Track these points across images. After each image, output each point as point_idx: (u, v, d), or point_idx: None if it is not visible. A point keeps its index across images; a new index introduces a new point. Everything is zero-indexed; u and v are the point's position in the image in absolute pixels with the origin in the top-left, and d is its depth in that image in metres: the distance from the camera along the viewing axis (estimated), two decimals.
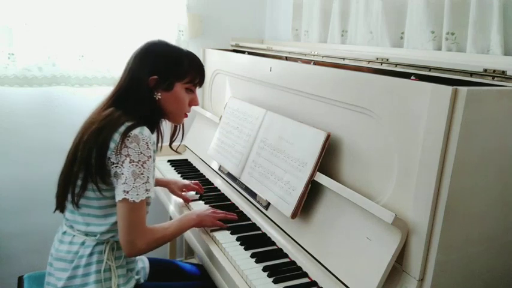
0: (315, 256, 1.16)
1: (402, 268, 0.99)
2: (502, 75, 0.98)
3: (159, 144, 1.30)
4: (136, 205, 1.11)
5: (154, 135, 1.23)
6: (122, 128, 1.12)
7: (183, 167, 1.96)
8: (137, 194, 1.10)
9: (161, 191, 1.77)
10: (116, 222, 1.17)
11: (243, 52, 2.06)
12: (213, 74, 2.06)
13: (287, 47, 1.83)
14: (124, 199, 1.10)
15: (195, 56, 1.29)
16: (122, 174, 1.10)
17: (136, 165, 1.10)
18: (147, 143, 1.12)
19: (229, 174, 1.66)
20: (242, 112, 1.66)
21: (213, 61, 2.07)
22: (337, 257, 1.09)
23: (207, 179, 1.80)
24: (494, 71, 1.00)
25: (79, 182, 1.15)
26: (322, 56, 1.56)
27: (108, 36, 1.99)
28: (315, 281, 1.12)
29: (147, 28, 2.06)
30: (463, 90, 0.85)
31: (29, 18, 1.82)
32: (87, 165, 1.13)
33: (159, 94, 1.22)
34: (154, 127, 1.25)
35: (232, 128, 1.69)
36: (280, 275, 1.13)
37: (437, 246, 0.92)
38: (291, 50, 1.77)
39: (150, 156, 1.13)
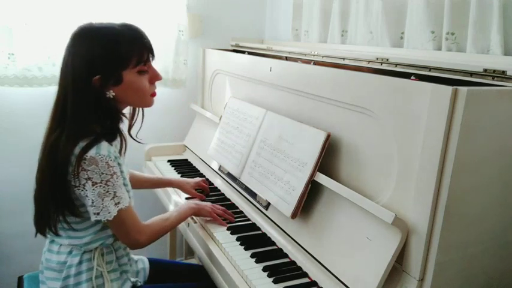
0: (315, 256, 1.16)
1: (402, 268, 0.99)
2: (502, 75, 0.98)
3: (123, 149, 1.16)
4: (115, 219, 1.07)
5: (114, 146, 1.10)
6: (77, 150, 1.02)
7: (183, 167, 1.96)
8: (109, 212, 1.06)
9: (161, 191, 1.77)
10: (100, 230, 1.15)
11: (243, 52, 2.06)
12: (213, 74, 2.06)
13: (287, 47, 1.83)
14: (97, 220, 1.08)
15: (131, 29, 1.10)
16: (87, 196, 1.04)
17: (100, 186, 1.03)
18: (107, 162, 1.03)
19: (229, 174, 1.66)
20: (242, 112, 1.66)
21: (213, 61, 2.07)
22: (337, 257, 1.09)
23: (207, 179, 1.80)
24: (494, 71, 1.00)
25: (52, 209, 1.10)
26: (322, 56, 1.56)
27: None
28: (315, 281, 1.12)
29: (147, 28, 2.04)
30: (463, 90, 0.85)
31: (29, 18, 1.82)
32: (52, 196, 1.07)
33: (111, 91, 1.07)
34: (115, 133, 1.11)
35: (232, 128, 1.69)
36: (280, 275, 1.13)
37: (437, 246, 0.92)
38: (291, 50, 1.77)
39: (114, 173, 1.05)
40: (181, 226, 1.47)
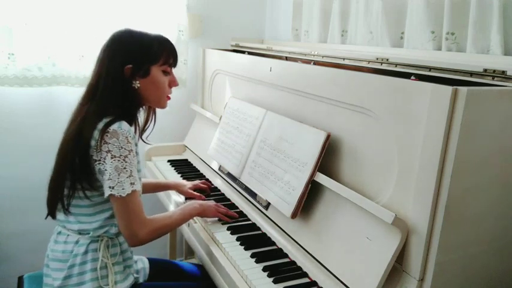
0: (315, 256, 1.16)
1: (402, 268, 0.99)
2: (502, 75, 0.98)
3: (138, 137, 1.28)
4: (126, 199, 1.11)
5: (132, 128, 1.21)
6: (100, 125, 1.11)
7: (183, 167, 1.96)
8: (123, 189, 1.10)
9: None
10: (108, 217, 1.19)
11: (243, 52, 2.06)
12: (213, 74, 2.06)
13: (287, 47, 1.83)
14: (111, 195, 1.11)
15: (164, 37, 1.28)
16: (105, 170, 1.10)
17: (119, 160, 1.10)
18: (126, 137, 1.11)
19: (229, 174, 1.66)
20: (242, 112, 1.66)
21: (213, 61, 2.07)
22: (337, 257, 1.09)
23: (207, 179, 1.80)
24: (494, 71, 1.00)
25: (67, 184, 1.15)
26: (322, 56, 1.56)
27: (108, 36, 1.98)
28: (315, 281, 1.12)
29: (147, 28, 2.05)
30: (463, 90, 0.85)
31: (29, 18, 1.82)
32: (73, 167, 1.13)
33: (138, 82, 1.20)
34: (133, 120, 1.24)
35: (232, 128, 1.69)
36: (280, 275, 1.13)
37: (437, 247, 0.92)
38: (291, 50, 1.77)
39: (132, 150, 1.13)
40: (182, 226, 1.47)
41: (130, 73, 1.19)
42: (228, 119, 1.74)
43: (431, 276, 0.94)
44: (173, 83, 1.29)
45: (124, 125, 1.13)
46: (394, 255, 0.96)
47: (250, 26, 2.47)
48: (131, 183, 1.12)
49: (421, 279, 0.96)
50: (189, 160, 2.05)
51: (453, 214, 0.92)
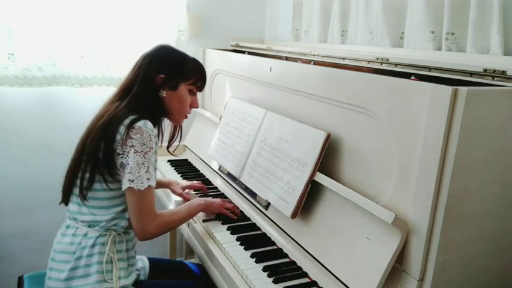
0: (315, 256, 1.16)
1: (402, 268, 0.99)
2: (502, 75, 0.98)
3: (160, 143, 1.33)
4: (142, 192, 1.16)
5: (156, 131, 1.28)
6: (127, 121, 1.17)
7: (183, 167, 1.96)
8: (142, 183, 1.16)
9: (161, 191, 1.78)
10: (121, 211, 1.23)
11: (243, 52, 2.06)
12: (213, 74, 2.06)
13: (287, 47, 1.83)
14: (130, 187, 1.15)
15: (199, 62, 1.38)
16: (128, 164, 1.16)
17: (140, 155, 1.16)
18: (150, 135, 1.18)
19: (229, 174, 1.66)
20: (242, 112, 1.66)
21: (213, 61, 2.07)
22: (337, 257, 1.09)
23: (207, 179, 1.80)
24: (494, 71, 1.00)
25: (87, 176, 1.19)
26: (322, 56, 1.56)
27: (108, 36, 1.99)
28: (315, 281, 1.12)
29: (147, 28, 2.06)
30: (463, 90, 0.85)
31: (29, 18, 1.82)
32: (95, 158, 1.18)
33: (165, 92, 1.28)
34: (156, 123, 1.31)
35: (232, 128, 1.69)
36: (280, 275, 1.13)
37: (437, 246, 0.92)
38: (291, 50, 1.77)
39: (152, 148, 1.19)
40: (182, 225, 1.47)
41: (161, 82, 1.27)
42: (228, 119, 1.74)
43: (431, 276, 0.94)
44: (194, 104, 1.37)
45: (149, 123, 1.19)
46: (394, 255, 0.96)
47: (250, 26, 2.47)
48: (147, 179, 1.17)
49: (421, 279, 0.96)
50: (189, 160, 2.05)
51: (453, 214, 0.92)
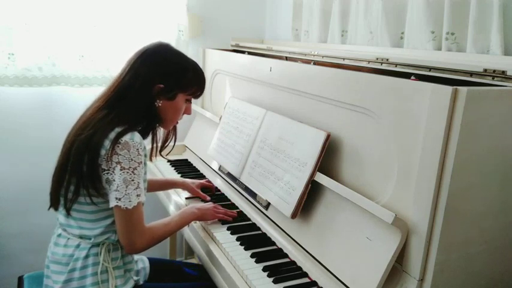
0: (315, 256, 1.16)
1: (402, 268, 0.99)
2: (502, 75, 0.98)
3: (156, 151, 1.30)
4: (130, 211, 1.11)
5: (148, 140, 1.24)
6: (112, 134, 1.10)
7: (183, 167, 1.96)
8: (129, 201, 1.10)
9: (161, 191, 1.77)
10: (110, 224, 1.18)
11: (243, 52, 2.06)
12: (213, 74, 2.06)
13: (287, 47, 1.83)
14: (117, 206, 1.11)
15: (200, 67, 1.31)
16: (114, 181, 1.10)
17: (127, 172, 1.10)
18: (137, 149, 1.11)
19: (229, 174, 1.66)
20: (242, 112, 1.66)
21: (213, 61, 2.07)
22: (337, 257, 1.09)
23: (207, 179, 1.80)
24: (494, 71, 1.00)
25: (71, 188, 1.14)
26: (322, 56, 1.56)
27: (108, 36, 1.99)
28: (315, 281, 1.12)
29: (147, 28, 2.06)
30: (463, 90, 0.85)
31: (29, 18, 1.82)
32: (80, 171, 1.11)
33: (160, 102, 1.21)
34: (148, 132, 1.25)
35: (232, 128, 1.69)
36: (280, 275, 1.13)
37: (437, 246, 0.92)
38: (291, 50, 1.77)
39: (141, 162, 1.12)
40: None
41: (158, 92, 1.20)
42: (228, 119, 1.74)
43: (431, 276, 0.94)
44: (188, 110, 1.32)
45: (136, 136, 1.12)
46: (394, 255, 0.96)
47: (250, 26, 2.46)
48: (137, 195, 1.12)
49: (421, 279, 0.96)
50: (189, 160, 2.05)
51: (453, 214, 0.92)
